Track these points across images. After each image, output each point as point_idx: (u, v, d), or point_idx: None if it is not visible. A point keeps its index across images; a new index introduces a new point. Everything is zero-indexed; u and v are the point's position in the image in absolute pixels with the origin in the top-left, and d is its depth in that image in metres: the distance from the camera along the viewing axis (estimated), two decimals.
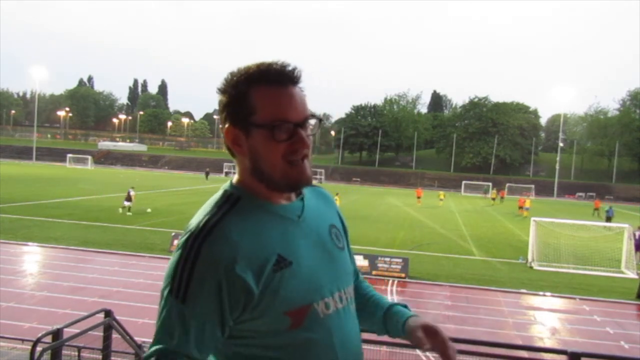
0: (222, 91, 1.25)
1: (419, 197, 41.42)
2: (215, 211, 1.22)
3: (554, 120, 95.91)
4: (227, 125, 1.24)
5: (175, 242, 15.66)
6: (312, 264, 1.25)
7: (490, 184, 60.98)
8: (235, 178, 1.31)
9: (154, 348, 1.14)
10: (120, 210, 23.72)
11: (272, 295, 1.17)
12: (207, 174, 57.39)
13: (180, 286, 1.13)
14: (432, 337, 1.36)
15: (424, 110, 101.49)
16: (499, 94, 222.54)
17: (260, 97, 1.20)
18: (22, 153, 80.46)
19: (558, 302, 13.15)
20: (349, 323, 1.32)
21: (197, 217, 1.22)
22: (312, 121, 1.25)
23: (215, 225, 1.17)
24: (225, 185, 1.31)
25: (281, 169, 1.22)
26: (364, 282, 1.58)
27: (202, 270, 1.12)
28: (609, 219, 30.44)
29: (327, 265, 1.30)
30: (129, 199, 23.94)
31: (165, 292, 1.15)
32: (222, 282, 1.13)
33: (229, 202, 1.24)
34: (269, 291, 1.17)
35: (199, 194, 37.30)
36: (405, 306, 1.48)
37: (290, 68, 1.23)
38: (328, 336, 1.25)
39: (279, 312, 1.18)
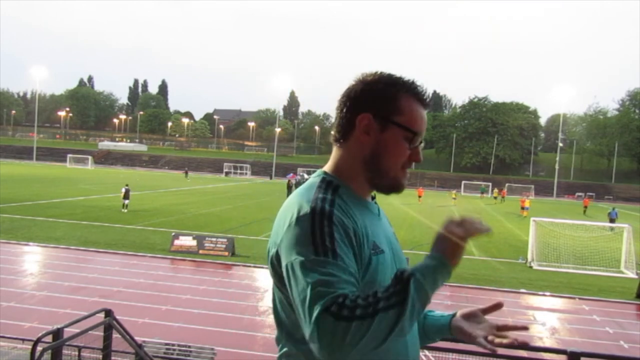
0: (369, 83, 1.38)
1: (419, 197, 41.88)
2: (324, 191, 1.31)
3: (554, 120, 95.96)
4: (364, 114, 1.35)
5: (176, 242, 15.76)
6: (391, 257, 1.38)
7: (490, 184, 61.10)
8: (329, 166, 1.42)
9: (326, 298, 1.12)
10: (122, 209, 24.28)
11: (373, 275, 1.27)
12: (186, 173, 59.95)
13: (326, 247, 1.18)
14: (473, 320, 1.49)
15: None
16: (498, 94, 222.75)
17: (407, 105, 1.36)
18: (23, 153, 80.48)
19: (558, 302, 13.16)
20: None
21: (304, 197, 1.29)
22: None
23: (334, 201, 1.28)
24: (319, 173, 1.41)
25: (396, 169, 1.37)
26: None
27: (339, 233, 1.21)
28: (612, 222, 28.95)
29: (398, 263, 1.41)
30: (127, 196, 24.56)
31: (308, 259, 1.18)
32: (353, 241, 1.24)
33: (331, 188, 1.33)
34: (370, 270, 1.27)
35: (199, 194, 37.33)
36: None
37: (429, 95, 1.41)
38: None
39: None
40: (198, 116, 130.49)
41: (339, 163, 1.40)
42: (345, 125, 1.38)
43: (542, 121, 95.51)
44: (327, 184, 1.34)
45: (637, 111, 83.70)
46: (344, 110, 1.38)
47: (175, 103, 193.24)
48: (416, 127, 1.35)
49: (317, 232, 1.20)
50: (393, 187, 1.39)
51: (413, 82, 1.38)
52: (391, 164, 1.35)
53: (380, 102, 1.35)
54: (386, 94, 1.35)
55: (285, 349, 1.36)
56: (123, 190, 24.94)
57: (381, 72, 1.39)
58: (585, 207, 41.41)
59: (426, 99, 1.39)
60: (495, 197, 49.23)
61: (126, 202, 24.54)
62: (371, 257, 1.28)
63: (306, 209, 1.24)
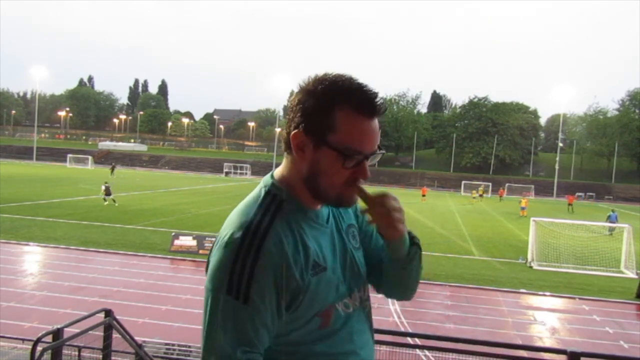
0: (306, 92, 1.23)
1: (423, 195, 43.64)
2: (263, 212, 1.23)
3: (554, 120, 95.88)
4: (297, 130, 1.22)
5: (176, 242, 15.76)
6: (336, 267, 1.31)
7: (490, 184, 61.07)
8: (279, 173, 1.32)
9: (226, 352, 1.15)
10: (105, 203, 25.87)
11: (311, 298, 1.23)
12: (112, 168, 53.64)
13: (240, 287, 1.14)
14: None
15: (423, 110, 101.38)
16: (498, 94, 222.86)
17: (343, 120, 1.20)
18: (23, 153, 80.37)
19: (558, 302, 13.16)
20: (365, 321, 1.40)
21: (242, 216, 1.23)
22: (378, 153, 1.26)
23: (269, 229, 1.20)
24: (266, 181, 1.32)
25: (338, 188, 1.24)
26: None
27: (262, 271, 1.15)
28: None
29: (347, 266, 1.35)
30: (108, 193, 25.97)
31: (220, 294, 1.16)
32: (280, 283, 1.17)
33: (274, 204, 1.26)
34: (308, 294, 1.22)
35: (199, 194, 37.32)
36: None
37: (379, 101, 1.22)
38: (349, 333, 1.32)
39: (312, 314, 1.25)
40: (198, 116, 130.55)
41: (286, 173, 1.30)
42: (285, 138, 1.26)
43: (542, 121, 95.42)
44: (272, 198, 1.26)
45: (637, 111, 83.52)
46: (286, 122, 1.27)
47: (175, 103, 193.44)
48: (354, 145, 1.19)
49: (237, 268, 1.15)
50: (337, 204, 1.29)
51: (354, 90, 1.20)
52: (330, 184, 1.23)
53: (311, 118, 1.20)
54: (319, 109, 1.20)
55: None
56: (103, 187, 26.21)
57: (322, 77, 1.23)
58: (570, 204, 41.20)
59: (371, 109, 1.20)
60: (480, 195, 49.49)
61: (107, 197, 25.87)
62: (310, 280, 1.22)
63: (238, 234, 1.18)
